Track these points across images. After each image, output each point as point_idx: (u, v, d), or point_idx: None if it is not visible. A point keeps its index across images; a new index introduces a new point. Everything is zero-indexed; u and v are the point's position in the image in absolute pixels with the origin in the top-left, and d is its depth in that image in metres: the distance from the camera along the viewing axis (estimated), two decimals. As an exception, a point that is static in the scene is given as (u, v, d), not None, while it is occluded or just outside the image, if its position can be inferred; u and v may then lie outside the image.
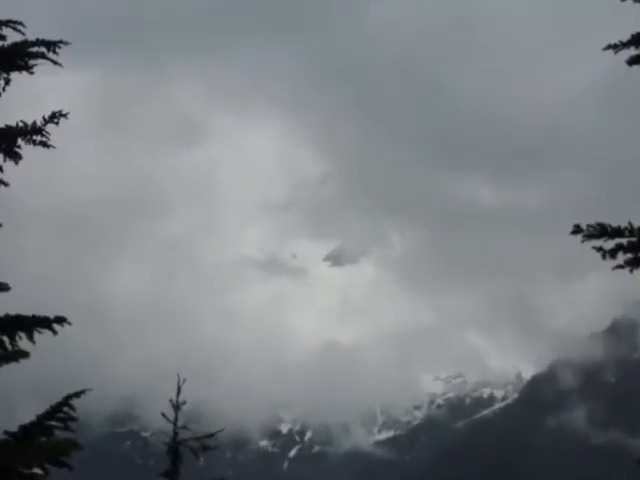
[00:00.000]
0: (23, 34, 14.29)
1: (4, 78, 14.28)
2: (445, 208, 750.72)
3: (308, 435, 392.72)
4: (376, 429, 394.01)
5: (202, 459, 20.93)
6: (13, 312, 13.50)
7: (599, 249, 13.55)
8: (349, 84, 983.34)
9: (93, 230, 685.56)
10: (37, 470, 12.86)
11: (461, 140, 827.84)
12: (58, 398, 13.18)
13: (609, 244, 13.61)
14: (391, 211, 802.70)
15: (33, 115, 14.26)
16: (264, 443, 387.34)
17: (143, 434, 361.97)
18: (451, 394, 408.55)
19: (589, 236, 13.53)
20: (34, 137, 14.31)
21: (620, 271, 13.58)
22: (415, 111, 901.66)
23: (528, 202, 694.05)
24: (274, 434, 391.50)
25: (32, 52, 14.31)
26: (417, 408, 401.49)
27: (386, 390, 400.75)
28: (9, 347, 13.41)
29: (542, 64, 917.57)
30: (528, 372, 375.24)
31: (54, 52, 14.31)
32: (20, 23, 14.33)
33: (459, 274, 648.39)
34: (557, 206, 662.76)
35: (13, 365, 13.43)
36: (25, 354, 13.39)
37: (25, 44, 14.28)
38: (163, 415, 20.73)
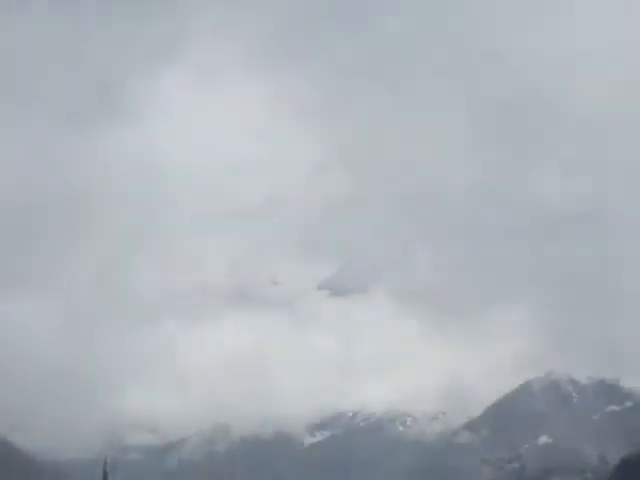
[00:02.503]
0: None
1: None
2: (496, 212, 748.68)
3: None
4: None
5: None
6: None
7: None
8: (360, 31, 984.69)
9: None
10: None
11: (519, 115, 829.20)
12: None
13: None
14: (415, 217, 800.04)
15: None
16: None
17: None
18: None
19: None
20: None
21: None
22: (454, 73, 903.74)
23: (619, 203, 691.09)
24: None
25: None
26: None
27: None
28: None
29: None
30: (615, 453, 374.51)
31: None
32: None
33: (516, 309, 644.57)
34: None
35: None
36: None
37: None
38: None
